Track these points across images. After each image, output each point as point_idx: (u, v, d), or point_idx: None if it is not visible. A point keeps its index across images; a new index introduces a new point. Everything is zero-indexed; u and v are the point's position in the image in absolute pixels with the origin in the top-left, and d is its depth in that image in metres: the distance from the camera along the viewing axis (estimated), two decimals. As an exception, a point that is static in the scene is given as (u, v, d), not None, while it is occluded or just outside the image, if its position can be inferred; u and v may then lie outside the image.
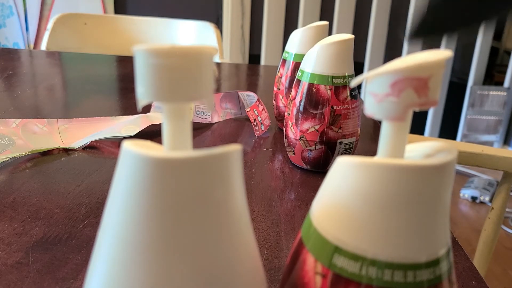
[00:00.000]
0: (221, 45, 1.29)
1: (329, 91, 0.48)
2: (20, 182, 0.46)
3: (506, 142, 2.41)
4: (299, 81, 0.50)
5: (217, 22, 2.50)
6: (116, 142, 0.57)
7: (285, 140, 0.53)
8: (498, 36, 2.62)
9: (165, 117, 0.17)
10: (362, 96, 1.98)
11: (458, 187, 2.11)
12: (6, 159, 0.49)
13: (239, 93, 0.67)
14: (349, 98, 0.49)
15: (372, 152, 0.60)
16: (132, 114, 0.67)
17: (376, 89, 0.18)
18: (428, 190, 0.17)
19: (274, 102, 0.65)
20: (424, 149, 0.20)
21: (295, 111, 0.50)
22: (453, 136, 2.46)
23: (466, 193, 2.03)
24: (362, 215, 0.18)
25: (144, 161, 0.15)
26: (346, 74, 0.48)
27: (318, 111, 0.49)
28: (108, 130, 0.58)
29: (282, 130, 0.65)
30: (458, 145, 0.79)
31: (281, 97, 0.63)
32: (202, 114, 0.67)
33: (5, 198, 0.43)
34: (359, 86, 2.12)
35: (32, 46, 2.51)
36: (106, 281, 0.17)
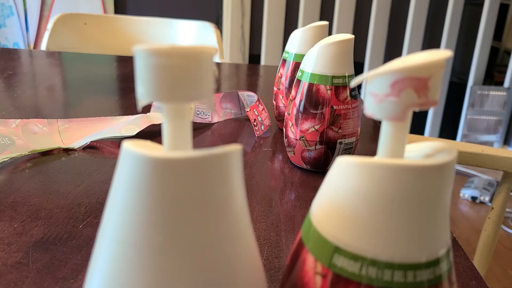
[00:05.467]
0: (221, 45, 1.29)
1: (329, 91, 0.48)
2: (20, 182, 0.46)
3: (506, 142, 2.41)
4: (299, 81, 0.50)
5: (217, 22, 2.50)
6: (116, 142, 0.57)
7: (285, 140, 0.53)
8: (498, 36, 2.62)
9: (165, 117, 0.17)
10: (362, 96, 1.98)
11: (458, 187, 2.11)
12: (6, 159, 0.49)
13: (239, 93, 0.67)
14: (349, 98, 0.49)
15: (372, 152, 0.60)
16: (132, 114, 0.67)
17: (376, 89, 0.18)
18: (428, 190, 0.17)
19: (274, 102, 0.65)
20: (424, 149, 0.20)
21: (295, 111, 0.50)
22: (453, 136, 2.46)
23: (466, 193, 2.03)
24: (362, 215, 0.18)
25: (144, 161, 0.15)
26: (346, 74, 0.48)
27: (318, 111, 0.49)
28: (108, 130, 0.58)
29: (282, 130, 0.65)
30: (458, 145, 0.79)
31: (281, 97, 0.63)
32: (202, 114, 0.67)
33: (5, 198, 0.43)
34: (359, 86, 2.12)
35: (32, 46, 2.51)
36: (106, 281, 0.17)
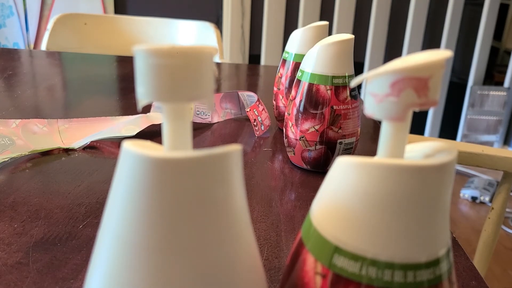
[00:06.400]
0: (221, 45, 1.29)
1: (329, 91, 0.48)
2: (20, 182, 0.46)
3: (506, 142, 2.41)
4: (299, 81, 0.50)
5: (217, 22, 2.50)
6: (116, 142, 0.57)
7: (285, 140, 0.53)
8: (498, 36, 2.62)
9: (165, 117, 0.17)
10: (362, 96, 1.98)
11: (458, 187, 2.11)
12: (6, 159, 0.49)
13: (239, 93, 0.67)
14: (349, 98, 0.49)
15: (372, 152, 0.60)
16: (132, 114, 0.67)
17: (376, 89, 0.18)
18: (428, 190, 0.17)
19: (274, 102, 0.65)
20: (424, 149, 0.20)
21: (295, 111, 0.50)
22: (453, 136, 2.46)
23: (466, 193, 2.03)
24: (362, 215, 0.18)
25: (144, 161, 0.15)
26: (346, 74, 0.48)
27: (318, 111, 0.49)
28: (108, 130, 0.58)
29: (282, 130, 0.65)
30: (458, 145, 0.79)
31: (281, 97, 0.63)
32: (202, 114, 0.67)
33: (5, 198, 0.43)
34: (359, 86, 2.12)
35: (32, 46, 2.51)
36: (106, 281, 0.17)
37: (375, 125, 0.72)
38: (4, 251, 0.35)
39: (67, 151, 0.54)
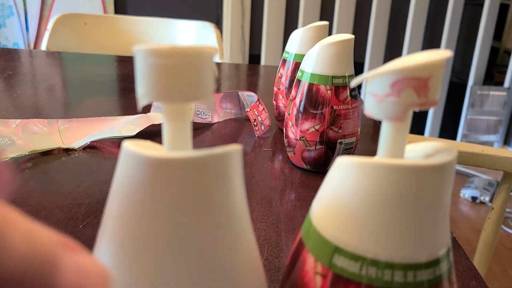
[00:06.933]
0: (221, 45, 1.29)
1: (329, 91, 0.48)
2: (20, 182, 0.46)
3: (506, 142, 2.41)
4: (299, 81, 0.50)
5: (217, 22, 2.50)
6: (116, 142, 0.57)
7: (285, 140, 0.53)
8: (498, 36, 2.62)
9: (165, 117, 0.17)
10: (362, 96, 1.98)
11: (458, 187, 2.11)
12: (6, 159, 0.49)
13: (239, 93, 0.67)
14: (349, 98, 0.49)
15: (372, 152, 0.60)
16: (132, 114, 0.67)
17: (376, 89, 0.18)
18: (428, 190, 0.17)
19: (274, 102, 0.65)
20: (424, 149, 0.20)
21: (295, 111, 0.50)
22: (453, 136, 2.46)
23: (466, 193, 2.03)
24: (362, 215, 0.18)
25: (144, 161, 0.15)
26: (346, 74, 0.48)
27: (318, 111, 0.49)
28: (108, 130, 0.58)
29: (282, 130, 0.65)
30: (458, 145, 0.79)
31: (281, 97, 0.63)
32: (202, 114, 0.67)
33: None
34: (359, 86, 2.11)
35: (32, 46, 2.51)
36: (106, 281, 0.17)
37: (375, 125, 0.72)
38: (4, 251, 0.35)
39: (67, 151, 0.54)
